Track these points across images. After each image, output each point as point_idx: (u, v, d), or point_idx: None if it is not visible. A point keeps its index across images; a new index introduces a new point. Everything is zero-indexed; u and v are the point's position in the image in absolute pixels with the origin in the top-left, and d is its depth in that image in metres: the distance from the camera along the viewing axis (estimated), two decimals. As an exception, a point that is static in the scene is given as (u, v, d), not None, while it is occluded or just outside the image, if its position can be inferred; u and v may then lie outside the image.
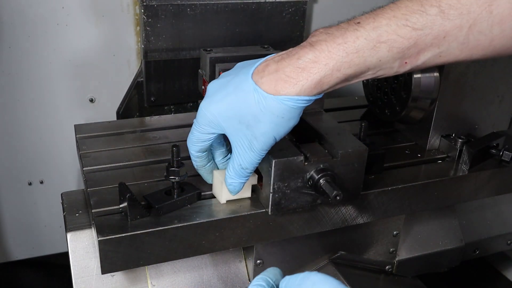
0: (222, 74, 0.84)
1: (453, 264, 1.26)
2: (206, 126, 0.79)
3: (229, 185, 0.83)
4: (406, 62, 0.72)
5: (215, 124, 0.78)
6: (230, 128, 0.77)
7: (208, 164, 0.88)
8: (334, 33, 0.71)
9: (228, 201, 0.88)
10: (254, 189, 0.89)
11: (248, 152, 0.77)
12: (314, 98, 0.74)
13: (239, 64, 0.84)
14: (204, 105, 0.79)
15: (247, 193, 0.87)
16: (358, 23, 0.71)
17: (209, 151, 0.87)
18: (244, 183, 0.83)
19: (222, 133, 0.80)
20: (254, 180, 0.86)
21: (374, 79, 1.18)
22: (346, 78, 0.73)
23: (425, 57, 0.71)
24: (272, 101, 0.72)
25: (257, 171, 0.86)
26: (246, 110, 0.74)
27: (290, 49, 0.75)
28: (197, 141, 0.82)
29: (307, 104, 0.74)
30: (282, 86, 0.72)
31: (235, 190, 0.84)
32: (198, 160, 0.86)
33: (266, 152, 0.78)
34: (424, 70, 1.05)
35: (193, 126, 0.82)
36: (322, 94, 0.74)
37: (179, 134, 1.10)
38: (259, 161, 0.79)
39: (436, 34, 0.69)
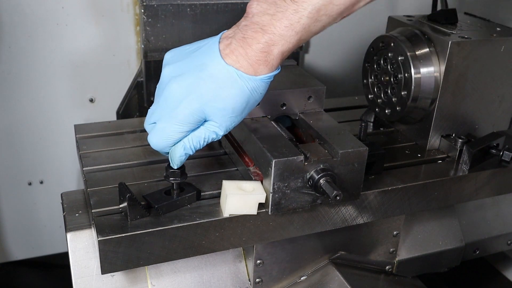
0: (169, 72, 0.80)
1: (453, 264, 1.26)
2: (188, 124, 0.78)
3: (180, 156, 0.81)
4: (344, 16, 0.79)
5: (199, 121, 0.79)
6: (217, 117, 0.78)
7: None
8: (276, 15, 0.75)
9: (231, 214, 0.86)
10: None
11: (220, 133, 0.80)
12: (277, 71, 0.79)
13: (175, 53, 0.82)
14: (188, 105, 0.77)
15: (253, 210, 0.86)
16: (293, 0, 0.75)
17: None
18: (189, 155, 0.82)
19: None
20: (262, 198, 0.85)
21: (373, 81, 1.18)
22: (299, 46, 0.80)
23: (359, 6, 0.79)
24: (257, 82, 0.77)
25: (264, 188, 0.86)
26: (238, 99, 0.77)
27: (240, 32, 0.77)
28: (172, 142, 0.80)
29: (272, 79, 0.80)
30: (258, 68, 0.76)
31: (180, 163, 0.83)
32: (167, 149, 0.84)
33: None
34: (424, 69, 1.05)
35: (170, 128, 0.79)
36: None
37: (179, 134, 1.09)
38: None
39: None
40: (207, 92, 0.76)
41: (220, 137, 0.81)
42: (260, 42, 0.75)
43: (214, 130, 0.79)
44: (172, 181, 0.85)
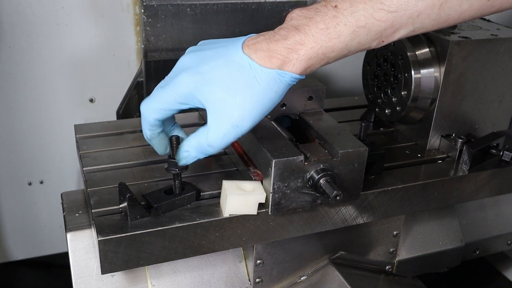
0: (191, 49, 0.80)
1: (453, 264, 1.26)
2: (183, 98, 0.76)
3: (184, 153, 0.80)
4: (382, 41, 0.76)
5: (194, 97, 0.75)
6: (214, 102, 0.74)
7: (161, 133, 0.83)
8: (314, 18, 0.73)
9: (231, 214, 0.86)
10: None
11: (231, 131, 0.75)
12: (300, 77, 0.76)
13: (204, 41, 0.83)
14: (187, 75, 0.75)
15: (253, 210, 0.86)
16: (336, 6, 0.73)
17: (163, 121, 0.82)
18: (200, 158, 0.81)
19: (194, 107, 0.77)
20: (262, 198, 0.85)
21: (373, 81, 1.18)
22: (328, 61, 0.76)
23: (400, 34, 0.76)
24: (270, 74, 0.73)
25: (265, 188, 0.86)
26: (240, 84, 0.73)
27: (273, 32, 0.76)
28: (162, 110, 0.77)
29: (294, 83, 0.76)
30: (276, 63, 0.73)
31: (187, 162, 0.82)
32: (153, 129, 0.81)
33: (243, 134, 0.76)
34: (424, 69, 1.05)
35: (165, 92, 0.76)
36: (303, 76, 0.76)
37: (179, 134, 1.10)
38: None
39: (410, 14, 0.73)
40: (212, 69, 0.74)
41: (217, 145, 0.77)
42: (288, 39, 0.73)
43: (207, 130, 0.76)
44: (173, 172, 0.84)
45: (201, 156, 0.81)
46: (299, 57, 0.73)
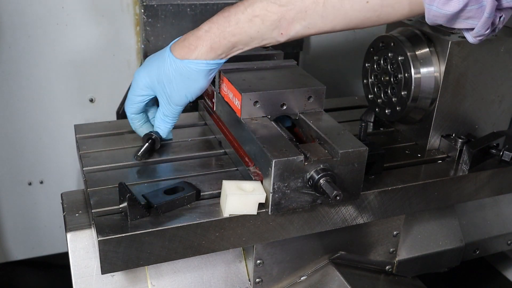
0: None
1: (453, 264, 1.26)
2: (138, 89, 0.97)
3: (156, 128, 1.01)
4: (282, 33, 0.86)
5: (145, 87, 0.96)
6: (155, 87, 0.96)
7: (143, 123, 1.04)
8: (226, 9, 0.89)
9: (231, 214, 0.86)
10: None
11: (167, 105, 0.96)
12: (212, 62, 0.90)
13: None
14: (136, 72, 0.98)
15: (253, 210, 0.86)
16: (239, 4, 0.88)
17: (144, 114, 1.04)
18: (170, 128, 1.01)
19: (152, 95, 0.98)
20: (262, 198, 0.85)
21: (373, 81, 1.18)
22: (233, 45, 0.88)
23: (296, 29, 0.85)
24: (179, 64, 0.90)
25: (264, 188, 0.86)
26: (163, 73, 0.92)
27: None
28: (131, 104, 0.99)
29: (207, 68, 0.90)
30: (185, 52, 0.90)
31: (164, 133, 1.01)
32: (134, 121, 1.03)
33: (182, 107, 0.97)
34: (424, 69, 1.05)
35: (129, 92, 1.00)
36: (222, 60, 0.91)
37: (179, 134, 1.10)
38: (178, 113, 0.99)
39: (299, 9, 0.83)
40: (148, 64, 0.95)
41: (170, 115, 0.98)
42: (200, 29, 0.88)
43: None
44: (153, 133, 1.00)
45: (170, 126, 1.00)
46: (204, 43, 0.88)
